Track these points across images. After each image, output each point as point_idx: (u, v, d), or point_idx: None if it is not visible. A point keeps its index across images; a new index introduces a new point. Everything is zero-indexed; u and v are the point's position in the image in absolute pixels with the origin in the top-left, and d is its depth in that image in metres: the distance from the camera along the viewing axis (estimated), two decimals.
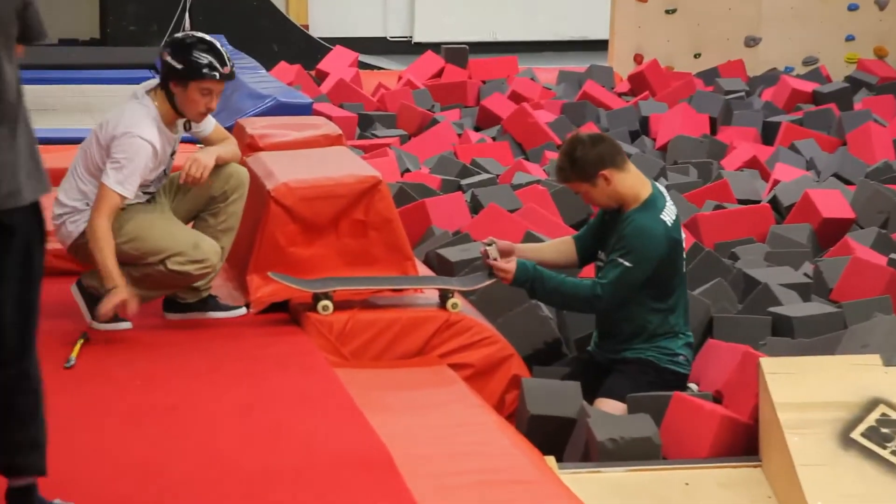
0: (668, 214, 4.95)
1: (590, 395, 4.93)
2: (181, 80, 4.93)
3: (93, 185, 4.97)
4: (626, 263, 4.87)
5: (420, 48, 15.38)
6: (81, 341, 4.84)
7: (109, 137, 4.92)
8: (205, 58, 4.93)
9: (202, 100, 4.96)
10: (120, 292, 4.83)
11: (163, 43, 5.06)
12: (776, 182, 7.91)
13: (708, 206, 7.38)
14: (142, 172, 4.90)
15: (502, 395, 5.11)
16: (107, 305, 4.84)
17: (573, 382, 4.87)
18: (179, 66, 4.92)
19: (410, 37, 17.93)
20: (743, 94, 11.18)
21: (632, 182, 4.98)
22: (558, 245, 5.29)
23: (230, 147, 5.19)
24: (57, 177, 5.41)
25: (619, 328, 5.03)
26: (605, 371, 5.06)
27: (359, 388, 4.54)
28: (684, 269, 5.07)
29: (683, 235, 5.10)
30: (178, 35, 5.07)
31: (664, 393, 4.73)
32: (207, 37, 5.05)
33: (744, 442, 4.53)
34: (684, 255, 5.08)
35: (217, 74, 4.94)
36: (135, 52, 14.25)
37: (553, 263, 5.16)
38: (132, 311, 4.87)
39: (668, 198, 5.03)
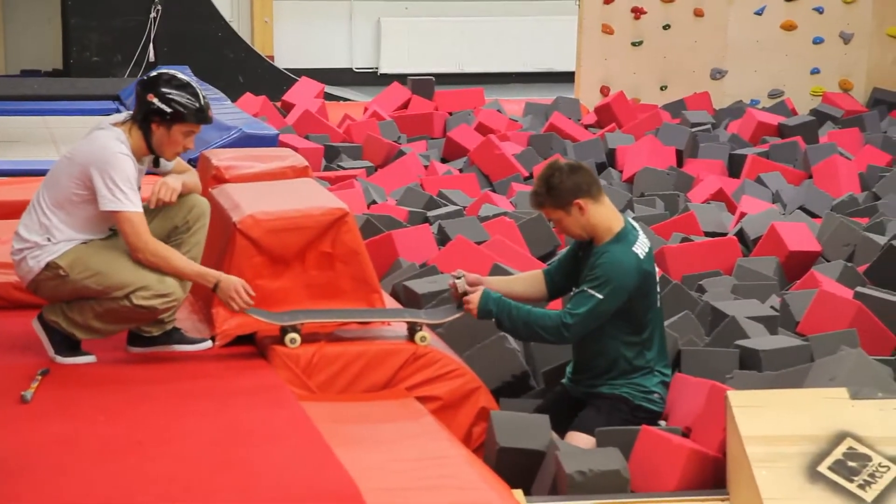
0: (641, 247, 4.94)
1: (562, 429, 4.90)
2: (166, 122, 4.94)
3: (57, 219, 4.93)
4: (598, 295, 4.85)
5: (386, 79, 15.41)
6: (41, 376, 4.78)
7: (84, 165, 4.89)
8: (192, 103, 4.96)
9: (182, 141, 5.00)
10: (231, 280, 4.89)
11: (140, 81, 5.04)
12: (743, 214, 7.93)
13: (675, 239, 7.39)
14: (135, 183, 4.88)
15: (470, 427, 5.08)
16: (234, 291, 4.88)
17: (542, 415, 4.85)
18: (167, 109, 4.93)
19: (376, 68, 17.96)
20: (709, 126, 11.23)
21: (606, 214, 4.97)
22: (527, 278, 5.28)
23: (193, 177, 5.20)
24: (17, 209, 5.38)
25: (594, 362, 5.01)
26: (579, 405, 5.03)
27: (326, 422, 4.50)
28: (659, 304, 5.06)
29: (657, 269, 5.08)
30: (158, 74, 5.04)
31: (633, 427, 4.71)
32: (186, 77, 5.06)
33: (712, 475, 4.51)
34: (658, 290, 5.07)
35: (204, 119, 4.99)
36: (98, 83, 14.21)
37: (522, 296, 5.14)
38: (242, 292, 4.90)
39: (640, 231, 5.03)
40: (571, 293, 5.06)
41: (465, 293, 5.07)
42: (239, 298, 4.93)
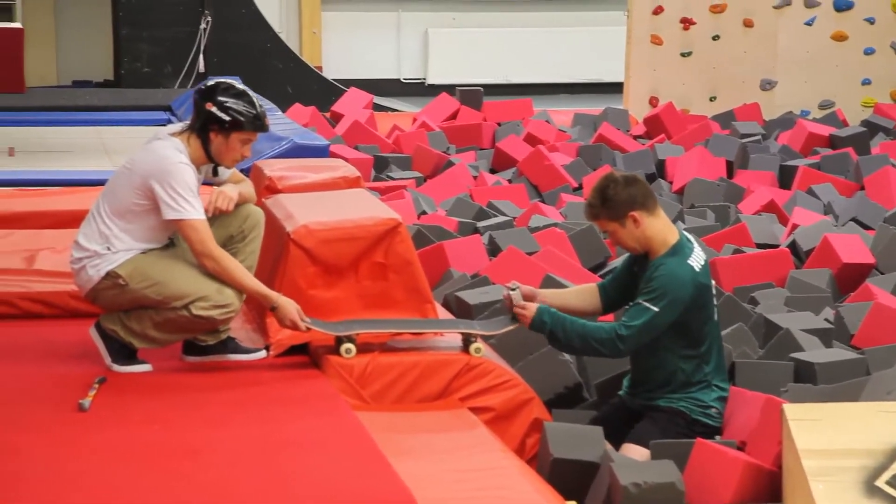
0: (696, 260, 4.93)
1: (618, 440, 4.89)
2: (224, 130, 4.98)
3: (117, 229, 4.97)
4: (654, 308, 4.84)
5: (433, 90, 15.43)
6: (98, 384, 4.82)
7: (144, 176, 4.93)
8: (250, 111, 5.00)
9: (240, 149, 5.04)
10: (289, 304, 4.93)
11: (198, 90, 5.09)
12: (795, 226, 7.89)
13: (727, 251, 7.35)
14: (196, 191, 4.92)
15: (523, 438, 5.08)
16: (290, 320, 4.92)
17: (596, 427, 4.84)
18: (225, 117, 4.97)
19: (424, 79, 17.98)
20: (759, 137, 11.17)
21: (661, 227, 4.95)
22: (581, 292, 5.26)
23: (248, 187, 5.24)
24: (74, 219, 5.44)
25: (652, 375, 4.99)
26: (636, 417, 5.02)
27: (380, 432, 4.51)
28: (716, 317, 5.04)
29: (713, 282, 5.06)
30: (215, 83, 5.09)
31: (688, 440, 4.69)
32: (243, 86, 5.10)
33: (767, 489, 4.48)
34: (715, 302, 5.04)
35: (261, 127, 5.03)
36: (149, 93, 14.33)
37: (576, 310, 5.12)
38: (304, 322, 4.94)
39: (695, 243, 5.01)
40: (627, 306, 5.05)
41: (520, 305, 5.07)
42: (293, 327, 4.97)
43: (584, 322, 4.97)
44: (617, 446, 4.87)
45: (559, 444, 4.70)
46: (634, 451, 4.83)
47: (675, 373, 4.93)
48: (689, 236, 5.05)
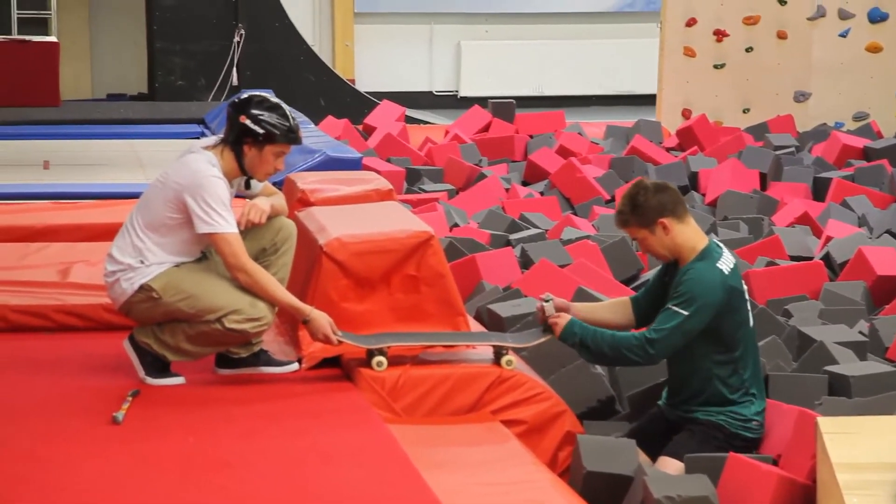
0: (725, 263, 4.91)
1: (656, 451, 4.87)
2: (258, 143, 5.00)
3: (151, 242, 4.99)
4: (683, 312, 4.83)
5: (466, 102, 15.44)
6: (131, 397, 4.84)
7: (178, 189, 4.96)
8: (283, 123, 5.01)
9: (274, 161, 5.05)
10: (321, 317, 4.95)
11: (231, 103, 5.10)
12: (829, 238, 7.85)
13: (760, 263, 7.33)
14: (229, 204, 4.94)
15: (555, 451, 5.07)
16: (323, 333, 4.94)
17: (629, 440, 4.83)
18: (259, 130, 4.98)
19: (456, 91, 18.00)
20: (793, 149, 11.13)
21: (690, 234, 4.95)
22: (614, 305, 5.25)
23: (280, 200, 5.25)
24: (108, 232, 5.47)
25: (688, 383, 4.96)
26: (674, 428, 5.00)
27: (412, 445, 4.51)
28: (752, 323, 5.01)
29: (745, 287, 5.03)
30: (249, 96, 5.10)
31: (722, 454, 4.67)
32: (276, 99, 5.11)
33: (801, 503, 4.46)
34: (749, 307, 5.01)
35: (294, 139, 5.04)
36: (183, 106, 14.39)
37: (609, 323, 5.11)
38: (336, 335, 4.95)
39: (724, 249, 5.00)
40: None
41: (552, 316, 5.07)
42: (325, 340, 4.98)
43: (613, 332, 4.97)
44: (654, 457, 4.86)
45: (592, 457, 4.68)
46: (670, 465, 4.81)
47: (711, 379, 4.91)
48: (719, 243, 5.04)
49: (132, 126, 12.75)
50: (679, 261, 4.96)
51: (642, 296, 5.18)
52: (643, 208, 4.92)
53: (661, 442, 4.94)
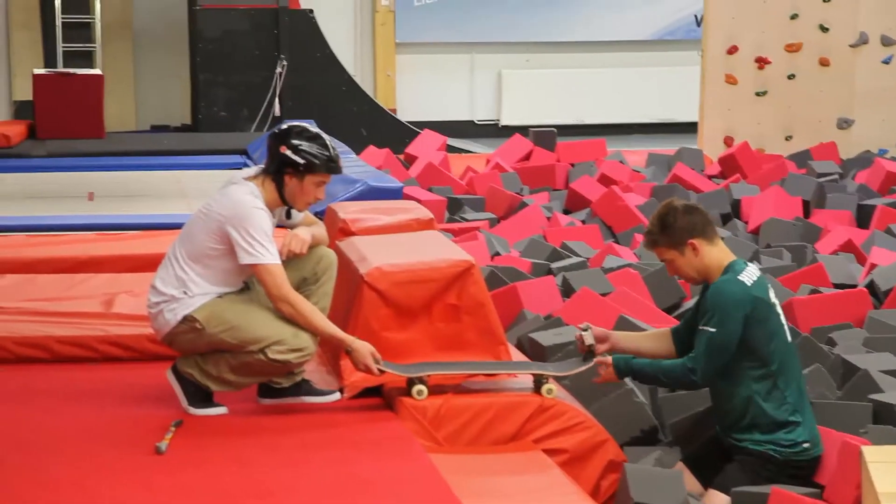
0: (748, 276, 4.91)
1: (709, 477, 4.87)
2: (298, 173, 5.03)
3: (194, 273, 5.02)
4: (710, 329, 4.83)
5: (507, 131, 15.45)
6: (174, 427, 4.86)
7: (220, 220, 4.98)
8: (323, 153, 5.04)
9: (314, 191, 5.08)
10: (365, 347, 4.97)
11: (272, 134, 5.14)
12: (873, 266, 7.79)
13: (803, 291, 7.28)
14: (271, 235, 4.96)
15: (598, 481, 5.05)
16: (364, 363, 4.97)
17: (676, 470, 4.81)
18: (300, 160, 5.01)
19: (497, 120, 18.02)
20: (836, 176, 11.07)
21: (719, 256, 4.96)
22: (655, 336, 5.24)
23: (321, 230, 5.27)
24: (151, 263, 5.50)
25: (729, 404, 4.93)
26: (729, 456, 4.97)
27: (454, 474, 4.50)
28: (788, 338, 4.98)
29: (776, 301, 5.00)
30: (288, 127, 5.13)
31: (764, 488, 4.62)
32: (315, 129, 5.13)
33: None
34: (784, 322, 4.98)
35: (335, 169, 5.07)
36: (226, 137, 14.46)
37: (650, 353, 5.10)
38: (373, 363, 4.97)
39: (749, 265, 4.99)
40: None
41: (592, 346, 5.06)
42: (367, 370, 5.00)
43: (658, 362, 4.96)
44: (707, 483, 4.82)
45: (639, 487, 4.66)
46: (718, 499, 4.77)
47: (751, 398, 4.87)
48: (745, 261, 5.04)
49: (175, 157, 12.82)
50: (708, 282, 4.96)
51: (682, 326, 5.16)
52: (673, 229, 4.93)
53: (716, 467, 4.91)
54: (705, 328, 4.84)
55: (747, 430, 4.91)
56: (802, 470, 4.87)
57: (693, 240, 4.91)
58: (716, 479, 4.88)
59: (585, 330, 5.09)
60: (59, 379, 5.56)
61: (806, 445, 4.89)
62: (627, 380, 5.31)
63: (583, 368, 5.12)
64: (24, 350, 5.77)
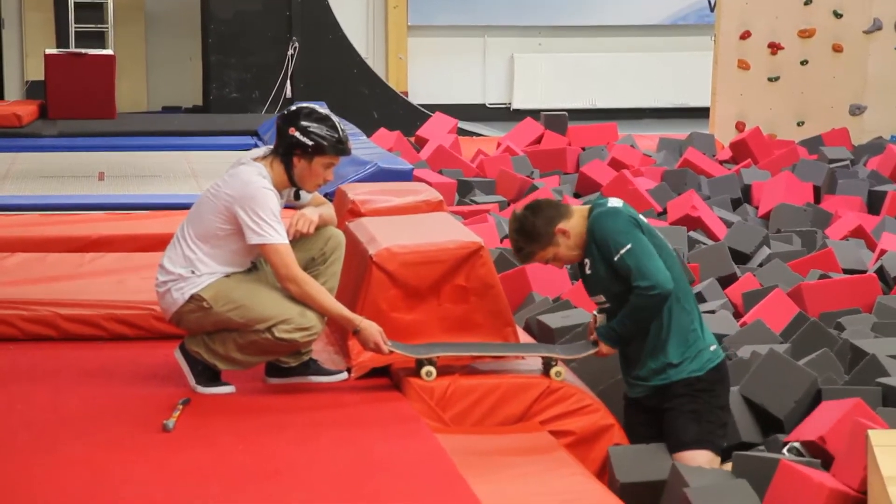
0: (614, 202, 4.96)
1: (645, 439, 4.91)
2: (307, 155, 5.03)
3: (202, 253, 5.03)
4: (624, 248, 4.82)
5: (519, 115, 15.43)
6: (182, 405, 4.87)
7: (229, 201, 4.99)
8: (332, 135, 5.04)
9: (323, 173, 5.08)
10: (372, 327, 4.98)
11: (281, 115, 5.14)
12: (883, 252, 7.78)
13: (813, 276, 7.28)
14: (279, 215, 4.97)
15: (603, 463, 5.05)
16: (374, 342, 4.97)
17: (659, 444, 4.83)
18: (308, 142, 5.01)
19: (509, 104, 18.01)
20: (848, 162, 11.05)
21: (580, 219, 4.97)
22: None
23: (328, 210, 5.28)
24: (161, 242, 5.51)
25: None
26: (654, 414, 4.95)
27: (460, 454, 4.51)
28: (671, 249, 4.98)
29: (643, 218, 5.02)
30: (298, 108, 5.13)
31: (773, 456, 4.63)
32: (324, 110, 5.13)
33: None
34: (659, 239, 4.95)
35: (343, 151, 5.07)
36: (237, 118, 14.47)
37: None
38: (382, 342, 4.98)
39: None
40: (603, 303, 5.01)
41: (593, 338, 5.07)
42: (376, 350, 5.00)
43: (623, 311, 4.93)
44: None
45: (624, 467, 4.72)
46: (701, 457, 4.78)
47: (666, 311, 4.87)
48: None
49: (186, 138, 12.83)
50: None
51: (613, 291, 5.01)
52: (537, 232, 4.95)
53: (650, 430, 4.93)
54: (619, 253, 4.82)
55: (661, 351, 4.89)
56: (720, 374, 4.90)
57: (557, 227, 4.93)
58: (669, 444, 4.85)
59: (600, 313, 5.09)
60: (68, 357, 5.57)
61: (712, 349, 4.92)
62: None
63: (591, 352, 5.12)
64: (33, 328, 5.79)
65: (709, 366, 4.91)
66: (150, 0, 17.30)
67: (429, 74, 17.77)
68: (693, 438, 4.83)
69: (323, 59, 16.13)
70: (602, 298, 5.01)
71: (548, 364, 5.13)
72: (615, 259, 4.86)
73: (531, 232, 4.96)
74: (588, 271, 5.00)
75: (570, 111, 13.61)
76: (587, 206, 5.02)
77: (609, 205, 4.95)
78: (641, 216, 5.02)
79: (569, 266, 7.32)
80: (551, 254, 4.99)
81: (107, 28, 16.05)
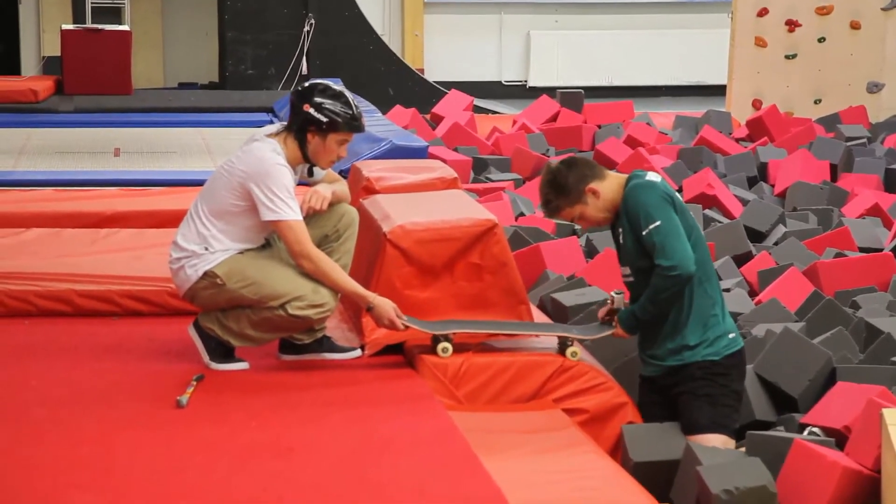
0: (652, 177, 4.93)
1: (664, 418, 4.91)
2: (321, 131, 5.02)
3: (215, 229, 5.03)
4: (654, 224, 4.80)
5: (535, 92, 15.41)
6: (196, 381, 4.88)
7: (243, 177, 4.99)
8: (346, 112, 5.04)
9: (337, 149, 5.08)
10: (385, 303, 4.97)
11: (295, 91, 5.13)
12: None
13: (828, 254, 7.25)
14: (293, 192, 4.97)
15: (616, 441, 5.04)
16: (388, 318, 4.97)
17: (673, 423, 4.82)
18: (322, 118, 5.01)
19: (525, 81, 17.97)
20: (865, 140, 11.00)
21: (615, 183, 4.96)
22: None
23: (342, 187, 5.27)
24: (175, 219, 5.52)
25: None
26: (668, 394, 4.95)
27: (473, 432, 4.51)
28: (701, 232, 4.95)
29: (679, 197, 4.99)
30: (312, 85, 5.12)
31: (786, 435, 4.62)
32: (338, 87, 5.12)
33: (866, 495, 4.41)
34: (691, 220, 4.93)
35: (357, 127, 5.06)
36: (253, 95, 14.48)
37: None
38: (401, 321, 4.99)
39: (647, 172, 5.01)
40: (629, 277, 5.00)
41: (619, 311, 5.06)
42: (391, 326, 5.00)
43: (645, 293, 4.91)
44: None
45: (637, 446, 4.71)
46: (717, 440, 4.78)
47: (686, 292, 4.86)
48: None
49: (202, 115, 12.86)
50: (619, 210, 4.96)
51: (638, 266, 4.99)
52: (567, 187, 4.94)
53: (664, 413, 4.92)
54: (648, 228, 4.80)
55: (679, 335, 4.88)
56: (737, 361, 4.89)
57: (589, 186, 4.92)
58: (684, 427, 4.85)
59: (619, 294, 5.08)
60: (82, 333, 5.59)
61: (731, 336, 4.91)
62: None
63: (607, 332, 5.11)
64: (47, 303, 5.80)
65: (725, 352, 4.90)
66: None
67: (445, 51, 17.74)
68: (708, 422, 4.83)
69: (339, 35, 16.12)
70: (628, 271, 5.00)
71: (563, 344, 5.12)
72: (643, 233, 4.85)
73: (562, 185, 4.95)
74: (620, 241, 5.01)
75: (586, 89, 13.58)
76: (625, 175, 5.01)
77: (647, 178, 4.93)
78: (678, 194, 5.00)
79: (583, 241, 7.33)
80: (578, 211, 4.98)
81: (123, 4, 16.05)
